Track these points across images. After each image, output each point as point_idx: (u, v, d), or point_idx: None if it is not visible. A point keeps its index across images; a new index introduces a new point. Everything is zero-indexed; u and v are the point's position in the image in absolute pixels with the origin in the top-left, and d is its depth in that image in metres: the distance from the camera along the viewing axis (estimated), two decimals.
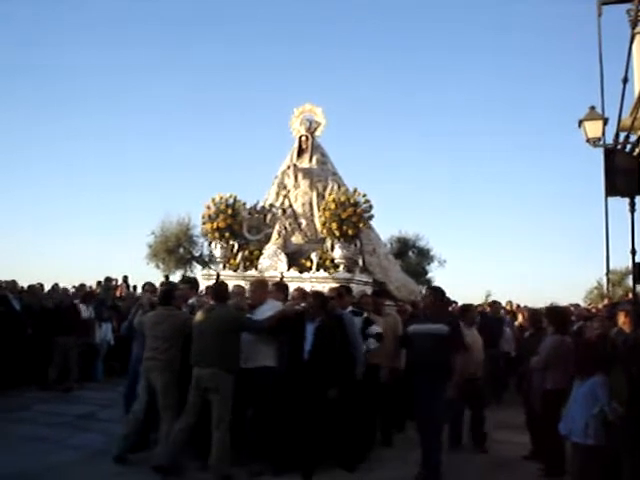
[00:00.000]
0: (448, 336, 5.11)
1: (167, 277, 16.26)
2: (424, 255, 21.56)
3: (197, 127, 36.59)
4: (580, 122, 9.55)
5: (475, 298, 17.31)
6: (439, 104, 37.29)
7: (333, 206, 7.41)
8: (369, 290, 7.69)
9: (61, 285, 11.41)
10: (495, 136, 38.11)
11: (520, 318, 11.82)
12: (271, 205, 8.81)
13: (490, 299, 18.15)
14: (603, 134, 9.54)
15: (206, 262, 8.83)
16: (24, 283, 11.15)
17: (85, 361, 9.96)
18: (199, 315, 5.65)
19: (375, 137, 37.50)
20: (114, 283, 13.30)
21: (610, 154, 9.39)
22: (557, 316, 5.71)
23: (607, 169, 9.20)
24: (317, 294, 5.94)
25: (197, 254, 20.74)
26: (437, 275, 21.94)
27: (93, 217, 33.24)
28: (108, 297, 11.35)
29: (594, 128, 9.41)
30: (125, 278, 13.99)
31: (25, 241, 30.59)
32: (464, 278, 28.83)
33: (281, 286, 6.58)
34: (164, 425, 5.52)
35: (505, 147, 37.26)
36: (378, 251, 8.91)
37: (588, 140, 9.40)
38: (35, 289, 10.59)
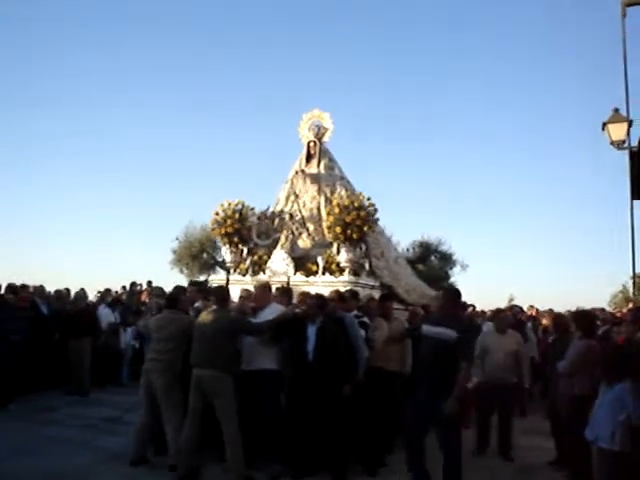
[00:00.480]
0: (455, 344, 4.67)
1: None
2: (446, 259, 21.41)
3: (215, 133, 36.98)
4: (604, 125, 9.37)
5: (498, 302, 17.04)
6: (459, 107, 36.90)
7: (337, 210, 7.44)
8: (377, 294, 7.68)
9: (88, 290, 11.76)
10: (518, 139, 37.57)
11: (544, 322, 11.76)
12: (281, 210, 8.88)
13: (512, 303, 17.92)
14: (628, 136, 9.34)
15: (229, 267, 8.90)
16: (52, 288, 11.50)
17: (111, 365, 10.22)
18: (200, 317, 5.76)
19: (394, 142, 37.31)
20: (139, 288, 13.57)
21: (635, 156, 9.19)
22: (584, 320, 5.65)
23: (632, 172, 9.00)
24: (315, 296, 5.98)
25: (220, 259, 21.01)
26: (459, 279, 21.74)
27: (119, 223, 33.94)
28: (133, 302, 11.59)
29: (618, 130, 9.24)
30: (149, 283, 14.25)
31: (53, 246, 31.38)
32: (487, 282, 28.46)
33: (285, 290, 6.65)
34: (169, 426, 5.62)
35: (528, 150, 36.71)
36: (387, 255, 8.89)
37: (612, 143, 9.22)
38: (61, 294, 10.88)
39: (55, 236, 32.56)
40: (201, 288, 6.87)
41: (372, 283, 7.68)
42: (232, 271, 8.78)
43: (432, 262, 21.50)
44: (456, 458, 4.71)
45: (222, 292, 5.96)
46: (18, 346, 8.30)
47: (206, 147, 37.18)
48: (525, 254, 34.91)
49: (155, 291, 7.69)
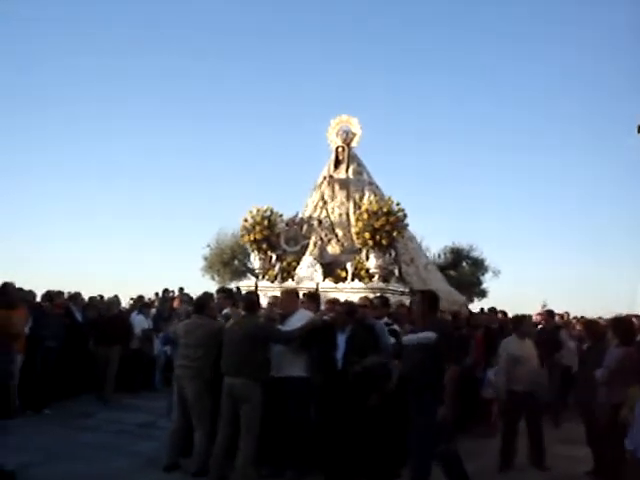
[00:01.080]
0: (435, 345, 4.52)
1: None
2: (478, 265, 21.03)
3: (246, 140, 37.27)
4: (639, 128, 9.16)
5: (531, 309, 16.66)
6: (489, 110, 36.37)
7: (366, 216, 7.37)
8: (407, 300, 7.57)
9: (121, 297, 11.92)
10: (550, 143, 36.81)
11: (577, 329, 11.44)
12: (309, 217, 8.85)
13: (545, 309, 17.47)
14: None
15: (258, 274, 8.91)
16: (87, 296, 11.67)
17: (144, 371, 10.33)
18: (229, 324, 5.74)
19: (424, 147, 36.97)
20: (171, 295, 13.67)
21: None
22: (622, 327, 5.47)
23: None
24: (344, 303, 5.91)
25: (251, 266, 21.15)
26: (491, 285, 21.33)
27: (152, 231, 34.45)
28: (165, 309, 11.67)
29: None
30: (181, 290, 14.34)
31: (87, 254, 32.00)
32: (520, 288, 27.89)
33: (313, 296, 6.58)
34: (198, 433, 5.61)
35: (561, 154, 35.90)
36: (417, 261, 8.77)
37: None
38: (95, 301, 11.05)
39: (89, 244, 33.21)
40: (230, 294, 6.84)
41: (402, 289, 7.58)
42: (261, 277, 8.78)
43: (464, 268, 21.17)
44: (425, 465, 4.60)
45: (251, 299, 5.93)
46: (54, 352, 8.38)
47: (238, 154, 37.52)
48: (560, 260, 34.12)
49: (184, 297, 7.73)
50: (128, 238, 33.62)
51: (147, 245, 32.93)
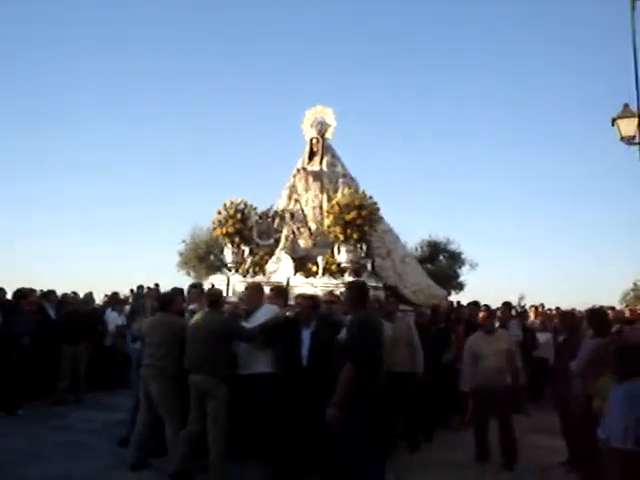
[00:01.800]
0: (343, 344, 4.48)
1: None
2: (455, 259, 21.15)
3: (221, 133, 36.82)
4: (613, 120, 9.12)
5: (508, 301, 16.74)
6: (467, 104, 36.45)
7: (337, 209, 7.22)
8: (382, 295, 7.48)
9: (95, 294, 11.69)
10: (524, 134, 37.06)
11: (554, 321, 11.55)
12: (282, 210, 8.69)
13: (523, 302, 17.69)
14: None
15: (230, 268, 8.75)
16: (60, 292, 11.40)
17: (119, 368, 10.10)
18: (192, 321, 5.62)
19: (402, 140, 36.93)
20: (145, 291, 13.43)
21: None
22: (597, 318, 5.54)
23: None
24: (307, 298, 5.82)
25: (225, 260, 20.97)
26: (469, 278, 21.51)
27: (127, 227, 33.91)
28: (139, 305, 11.45)
29: (628, 126, 8.97)
30: (157, 286, 14.11)
31: (61, 250, 31.40)
32: (497, 281, 28.21)
33: (280, 290, 6.48)
34: (168, 431, 5.53)
35: (536, 146, 36.21)
36: (393, 255, 8.65)
37: (622, 138, 8.95)
38: (68, 298, 10.80)
39: (62, 240, 32.62)
40: (201, 290, 6.67)
41: (374, 284, 7.45)
42: (233, 271, 8.61)
43: (441, 261, 21.27)
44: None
45: (214, 294, 5.81)
46: (26, 350, 8.27)
47: (212, 147, 37.09)
48: (535, 252, 34.52)
49: (151, 293, 7.53)
50: (102, 235, 33.09)
51: (123, 242, 32.41)
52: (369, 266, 7.52)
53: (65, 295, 10.91)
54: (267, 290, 6.53)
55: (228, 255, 8.71)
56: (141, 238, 33.85)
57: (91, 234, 33.04)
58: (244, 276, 8.29)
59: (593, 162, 37.31)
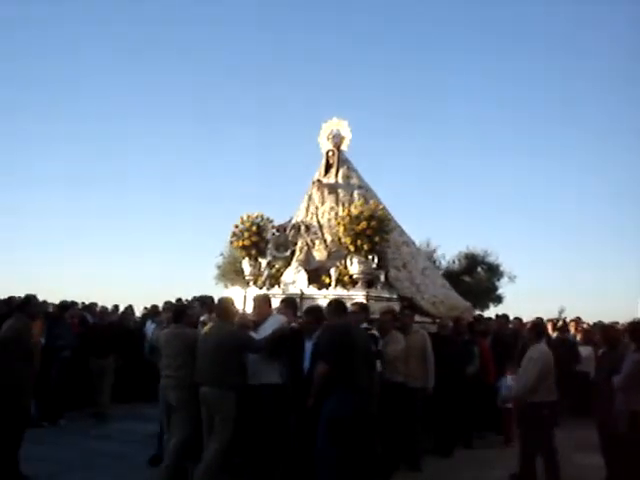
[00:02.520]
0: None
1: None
2: (493, 271, 20.65)
3: (251, 145, 36.82)
4: None
5: (548, 314, 16.24)
6: (501, 112, 35.56)
7: (347, 220, 7.20)
8: (397, 306, 7.39)
9: (135, 307, 12.02)
10: (565, 143, 35.82)
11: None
12: (299, 222, 8.72)
13: (563, 315, 17.07)
14: None
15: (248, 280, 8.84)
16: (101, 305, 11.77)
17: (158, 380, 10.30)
18: (203, 332, 5.70)
19: (436, 152, 36.32)
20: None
21: None
22: (639, 332, 5.43)
23: None
24: (311, 309, 5.83)
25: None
26: (507, 291, 20.95)
27: (168, 240, 34.52)
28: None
29: None
30: (179, 300, 14.34)
31: (102, 264, 32.23)
32: (536, 294, 27.37)
33: (290, 302, 6.50)
34: (173, 439, 5.57)
35: (576, 155, 34.96)
36: (410, 266, 8.53)
37: None
38: (107, 311, 11.19)
39: (103, 254, 33.52)
40: (205, 302, 6.77)
41: (387, 295, 7.37)
42: (251, 284, 8.67)
43: (479, 274, 20.81)
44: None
45: (223, 305, 5.87)
46: (68, 362, 8.65)
47: (238, 161, 37.17)
48: (577, 265, 33.22)
49: (166, 305, 7.70)
50: (146, 249, 33.86)
51: (163, 256, 33.04)
52: (382, 277, 7.43)
53: (104, 308, 11.29)
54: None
55: (246, 268, 8.79)
56: (183, 251, 34.40)
57: (136, 248, 33.85)
58: (260, 288, 8.33)
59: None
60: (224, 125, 36.05)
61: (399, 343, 6.59)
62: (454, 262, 21.24)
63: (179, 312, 6.24)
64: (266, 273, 8.46)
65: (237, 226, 8.78)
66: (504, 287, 21.01)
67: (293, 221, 9.00)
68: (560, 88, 34.32)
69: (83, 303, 11.44)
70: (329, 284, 7.51)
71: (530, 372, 5.68)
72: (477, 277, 20.69)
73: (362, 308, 6.52)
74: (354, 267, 7.24)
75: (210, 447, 5.26)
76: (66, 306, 9.44)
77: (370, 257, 7.12)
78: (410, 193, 31.57)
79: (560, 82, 34.06)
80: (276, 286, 8.12)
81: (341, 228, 7.32)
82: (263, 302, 6.11)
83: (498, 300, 20.70)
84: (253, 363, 5.69)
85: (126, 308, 11.44)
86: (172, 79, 34.59)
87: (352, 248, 7.10)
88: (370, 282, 7.33)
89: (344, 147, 8.80)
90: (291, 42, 34.89)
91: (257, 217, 8.81)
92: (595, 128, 34.75)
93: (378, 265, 7.43)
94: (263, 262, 8.68)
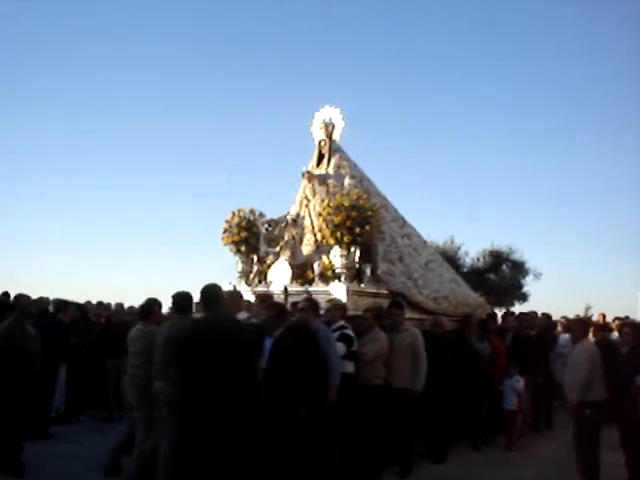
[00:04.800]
0: None
1: None
2: (518, 268, 20.01)
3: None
4: None
5: (574, 312, 15.53)
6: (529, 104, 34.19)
7: (325, 212, 6.84)
8: (385, 302, 6.99)
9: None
10: (591, 139, 34.15)
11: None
12: (290, 216, 8.39)
13: (590, 312, 16.41)
14: None
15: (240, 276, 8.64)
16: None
17: None
18: (160, 328, 5.56)
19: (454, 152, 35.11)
20: None
21: None
22: None
23: None
24: (272, 305, 5.56)
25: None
26: (533, 289, 20.30)
27: (189, 243, 34.04)
28: None
29: None
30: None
31: (110, 262, 32.02)
32: (562, 291, 26.49)
33: (264, 298, 6.24)
34: (137, 440, 5.47)
35: (601, 150, 33.31)
36: (410, 259, 8.09)
37: None
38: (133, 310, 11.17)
39: (112, 251, 33.23)
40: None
41: (374, 290, 6.97)
42: (242, 281, 8.41)
43: (504, 271, 20.20)
44: None
45: (177, 300, 5.67)
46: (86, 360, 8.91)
47: (246, 154, 36.43)
48: (604, 261, 31.75)
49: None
50: (168, 247, 33.71)
51: (185, 256, 32.74)
52: (368, 271, 7.03)
53: (131, 307, 11.19)
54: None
55: (238, 264, 8.54)
56: (203, 250, 34.10)
57: (159, 245, 33.73)
58: (249, 285, 8.07)
59: None
60: (214, 116, 35.04)
61: (379, 342, 6.20)
62: (478, 259, 20.65)
63: (144, 309, 6.13)
64: (255, 269, 8.21)
65: (228, 221, 8.54)
66: (529, 285, 20.45)
67: (288, 215, 8.69)
68: (574, 87, 32.84)
69: (109, 304, 11.47)
70: (313, 279, 7.17)
71: (580, 370, 5.60)
72: (502, 274, 20.07)
73: (337, 305, 6.19)
74: (336, 261, 6.87)
75: (164, 442, 5.06)
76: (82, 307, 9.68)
77: (352, 250, 6.72)
78: (435, 189, 30.77)
79: (570, 82, 32.59)
80: (263, 282, 7.84)
81: (320, 219, 6.95)
82: (234, 299, 5.88)
83: (523, 298, 20.12)
84: None
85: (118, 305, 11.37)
86: (167, 76, 33.92)
87: (332, 241, 6.73)
88: (354, 276, 6.95)
89: (336, 136, 8.42)
90: (287, 30, 33.80)
91: (250, 212, 8.55)
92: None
93: (365, 258, 7.06)
94: (254, 258, 8.42)
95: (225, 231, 8.50)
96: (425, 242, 9.32)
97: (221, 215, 9.00)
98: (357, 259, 6.78)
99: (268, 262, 8.26)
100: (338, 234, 6.52)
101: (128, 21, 30.36)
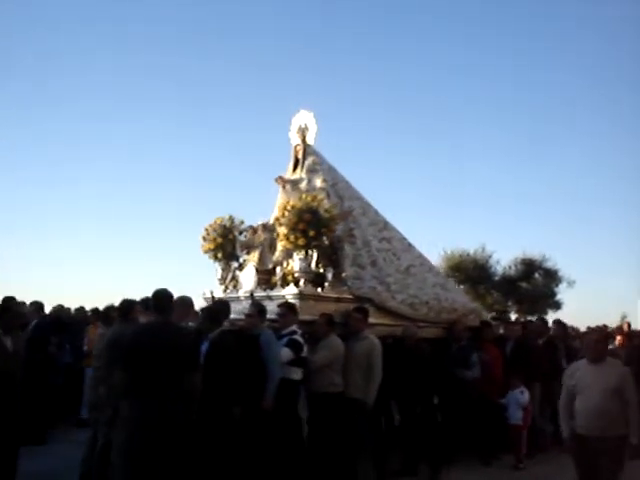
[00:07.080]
0: None
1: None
2: (551, 276, 19.25)
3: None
4: None
5: (610, 321, 14.69)
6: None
7: (281, 214, 6.72)
8: (351, 307, 6.79)
9: None
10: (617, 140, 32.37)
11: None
12: (262, 222, 8.32)
13: (626, 320, 15.52)
14: None
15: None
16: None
17: None
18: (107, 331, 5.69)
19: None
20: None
21: None
22: None
23: None
24: (205, 309, 5.52)
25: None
26: (566, 297, 19.52)
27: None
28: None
29: None
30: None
31: (95, 270, 32.38)
32: (597, 299, 25.20)
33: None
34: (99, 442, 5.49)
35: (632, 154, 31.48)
36: (385, 264, 7.83)
37: None
38: None
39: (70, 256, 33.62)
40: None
41: (335, 295, 6.78)
42: (223, 287, 8.40)
43: (536, 280, 19.49)
44: None
45: (124, 305, 5.79)
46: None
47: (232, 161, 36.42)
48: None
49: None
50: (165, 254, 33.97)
51: (171, 264, 32.74)
52: (330, 275, 6.85)
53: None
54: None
55: (218, 271, 8.53)
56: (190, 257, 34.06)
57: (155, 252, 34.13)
58: (224, 292, 8.04)
59: None
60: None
61: (332, 349, 6.03)
62: (510, 268, 19.99)
63: (104, 313, 6.27)
64: (230, 276, 8.18)
65: (206, 229, 8.56)
66: (563, 293, 19.74)
67: (270, 221, 8.63)
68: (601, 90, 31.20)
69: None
70: (275, 284, 7.06)
71: None
72: (534, 282, 19.36)
73: (291, 309, 6.05)
74: (295, 265, 6.73)
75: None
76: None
77: (310, 253, 6.56)
78: (467, 198, 30.01)
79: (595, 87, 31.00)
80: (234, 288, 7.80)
81: (276, 223, 6.85)
82: (182, 305, 5.83)
83: (557, 306, 19.30)
84: None
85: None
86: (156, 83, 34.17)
87: (288, 245, 6.61)
88: (315, 281, 6.79)
89: (310, 140, 8.31)
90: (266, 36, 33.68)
91: (228, 220, 8.53)
92: None
93: (333, 263, 6.90)
94: (233, 265, 8.40)
95: (204, 239, 8.52)
96: (410, 245, 9.00)
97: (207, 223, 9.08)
98: (315, 263, 6.58)
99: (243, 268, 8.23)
100: (292, 237, 6.37)
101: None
